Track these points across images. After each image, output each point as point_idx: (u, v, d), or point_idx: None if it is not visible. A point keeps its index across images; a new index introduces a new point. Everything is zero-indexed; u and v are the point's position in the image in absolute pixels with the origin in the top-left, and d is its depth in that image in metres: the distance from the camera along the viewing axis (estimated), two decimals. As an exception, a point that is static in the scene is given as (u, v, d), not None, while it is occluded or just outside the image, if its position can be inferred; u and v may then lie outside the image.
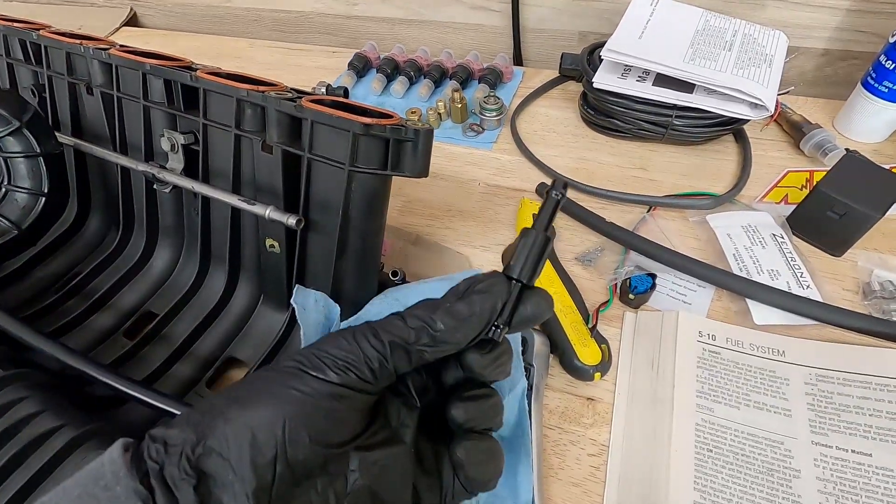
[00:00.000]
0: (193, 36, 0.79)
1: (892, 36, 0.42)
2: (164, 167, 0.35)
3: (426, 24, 0.67)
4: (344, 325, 0.31)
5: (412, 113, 0.55)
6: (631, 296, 0.36)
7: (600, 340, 0.34)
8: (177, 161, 0.35)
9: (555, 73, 0.59)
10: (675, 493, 0.28)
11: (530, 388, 0.32)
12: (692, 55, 0.43)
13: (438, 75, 0.59)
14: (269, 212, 0.30)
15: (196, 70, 0.33)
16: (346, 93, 0.60)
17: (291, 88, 0.33)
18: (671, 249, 0.37)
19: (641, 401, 0.32)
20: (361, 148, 0.28)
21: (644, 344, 0.35)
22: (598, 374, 0.33)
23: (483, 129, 0.54)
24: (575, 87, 0.57)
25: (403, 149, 0.29)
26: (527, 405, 0.29)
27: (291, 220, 0.29)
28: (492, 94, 0.54)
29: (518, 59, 0.65)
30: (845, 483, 0.27)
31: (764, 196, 0.44)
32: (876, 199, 0.36)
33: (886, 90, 0.43)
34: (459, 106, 0.53)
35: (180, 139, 0.34)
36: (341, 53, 0.67)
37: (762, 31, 0.46)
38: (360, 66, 0.62)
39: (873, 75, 0.44)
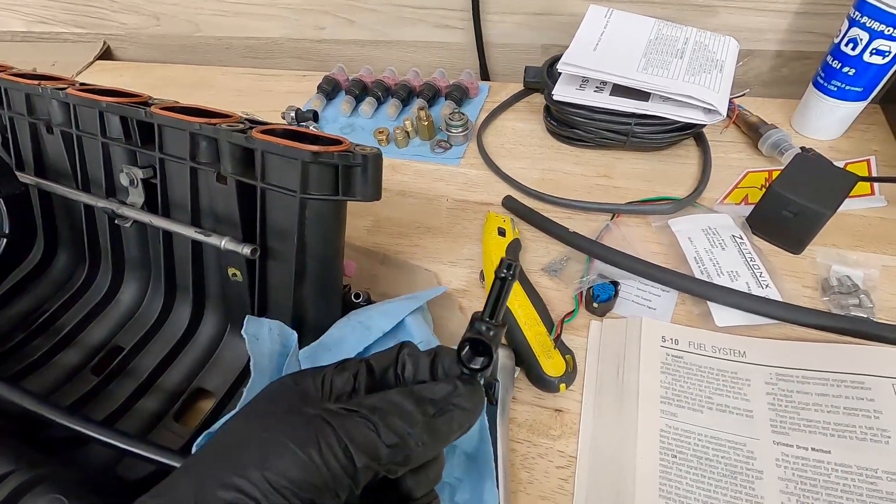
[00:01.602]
0: (167, 66, 0.79)
1: (837, 36, 0.43)
2: (124, 202, 0.36)
3: (392, 44, 0.68)
4: (305, 351, 0.31)
5: (379, 132, 0.55)
6: (595, 304, 0.37)
7: (564, 351, 0.34)
8: (137, 195, 0.36)
9: (520, 87, 0.60)
10: (641, 501, 0.28)
11: (495, 402, 0.32)
12: (645, 64, 0.44)
13: (406, 94, 0.60)
14: (224, 242, 0.30)
15: (151, 106, 0.33)
16: (315, 116, 0.61)
17: (245, 118, 0.33)
18: (632, 256, 0.38)
19: (607, 409, 0.32)
20: (312, 175, 0.29)
21: (609, 352, 0.35)
22: (563, 385, 0.33)
23: (450, 146, 0.54)
24: (540, 100, 0.58)
25: (353, 174, 0.29)
26: (486, 421, 0.29)
27: (247, 250, 0.30)
28: (457, 110, 0.55)
29: (485, 74, 0.66)
30: (806, 482, 0.27)
31: (724, 198, 0.44)
32: (827, 196, 0.36)
33: (836, 89, 0.44)
34: (426, 124, 0.54)
35: (139, 174, 0.35)
36: (311, 77, 0.67)
37: (713, 37, 0.47)
38: (330, 89, 0.63)
39: (822, 75, 0.45)
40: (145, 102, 0.35)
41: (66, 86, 0.36)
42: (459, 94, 0.59)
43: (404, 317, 0.34)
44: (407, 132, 0.55)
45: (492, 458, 0.28)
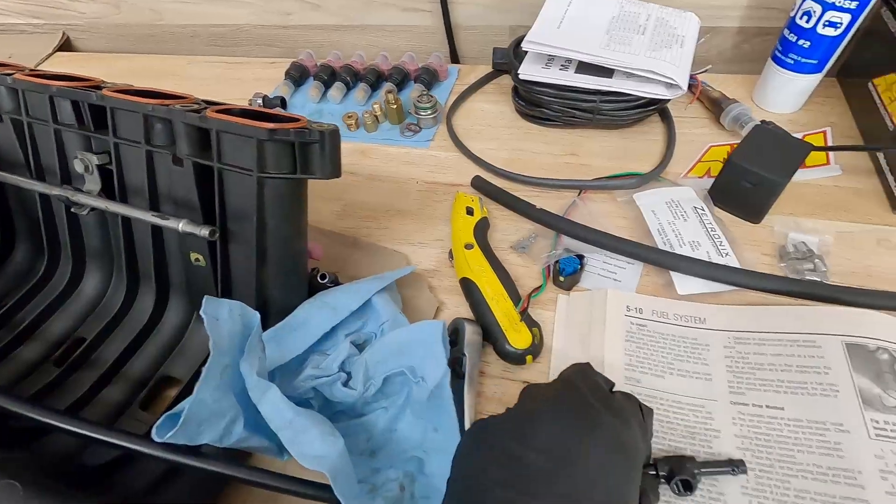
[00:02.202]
0: (130, 57, 0.77)
1: (793, 10, 0.44)
2: (80, 190, 0.35)
3: (360, 28, 0.67)
4: (269, 332, 0.31)
5: (349, 117, 0.55)
6: (561, 278, 0.37)
7: (531, 324, 0.35)
8: (93, 182, 0.35)
9: (490, 69, 0.60)
10: (604, 465, 0.28)
11: (462, 376, 0.32)
12: (608, 41, 0.45)
13: (375, 78, 0.59)
14: (182, 225, 0.30)
15: (102, 89, 0.33)
16: (283, 102, 0.60)
17: (201, 100, 0.33)
18: (597, 230, 0.38)
19: (573, 379, 0.33)
20: (268, 153, 0.28)
21: (576, 323, 0.36)
22: (529, 357, 0.33)
23: (420, 129, 0.54)
24: (509, 81, 0.58)
25: (311, 151, 0.29)
26: (450, 392, 0.29)
27: (204, 232, 0.29)
28: (425, 93, 0.54)
29: (455, 57, 0.66)
30: (760, 437, 0.28)
31: (688, 172, 0.45)
32: (783, 165, 0.37)
33: (793, 62, 0.45)
34: (394, 107, 0.54)
35: (94, 160, 0.34)
36: (280, 64, 0.66)
37: (674, 13, 0.47)
38: (298, 75, 0.62)
39: (780, 48, 0.46)
40: (97, 86, 0.34)
41: (12, 71, 0.35)
42: (429, 78, 0.58)
43: (371, 296, 0.34)
44: (376, 116, 0.54)
45: (456, 429, 0.29)
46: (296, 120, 0.29)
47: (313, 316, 0.33)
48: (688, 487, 0.26)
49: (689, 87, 0.52)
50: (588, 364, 0.28)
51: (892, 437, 0.26)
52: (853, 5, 0.39)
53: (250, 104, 0.59)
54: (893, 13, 0.41)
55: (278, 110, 0.59)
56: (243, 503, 0.29)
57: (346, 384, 0.31)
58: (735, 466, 0.26)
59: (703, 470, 0.26)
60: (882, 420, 0.27)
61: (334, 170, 0.30)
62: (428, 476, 0.29)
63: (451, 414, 0.29)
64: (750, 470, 0.27)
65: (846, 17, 0.40)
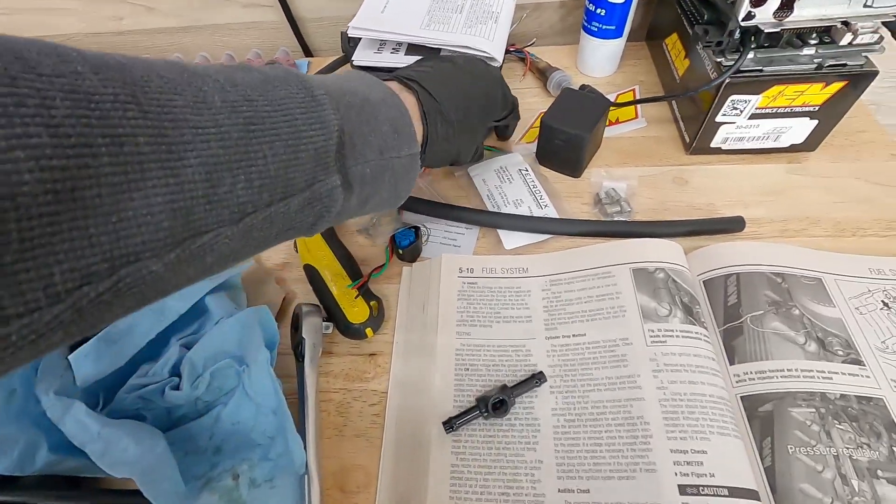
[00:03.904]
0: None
1: (589, -18, 0.48)
2: None
3: (204, 28, 0.65)
4: (87, 345, 0.30)
5: (191, 121, 0.53)
6: (400, 251, 0.39)
7: (370, 298, 0.36)
8: None
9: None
10: (439, 414, 0.30)
11: (302, 358, 0.33)
12: (429, 21, 0.47)
13: (220, 79, 0.58)
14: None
15: None
16: (122, 113, 0.56)
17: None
18: (428, 200, 0.40)
19: (414, 343, 0.35)
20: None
21: (417, 292, 0.38)
22: (369, 330, 0.35)
23: (269, 125, 0.53)
24: (358, 70, 0.59)
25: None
26: (273, 374, 0.30)
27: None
28: (268, 88, 0.53)
29: (308, 51, 0.65)
30: (567, 363, 0.31)
31: (521, 138, 0.49)
32: (585, 121, 0.41)
33: (597, 29, 0.50)
34: (238, 106, 0.52)
35: None
36: (120, 73, 0.62)
37: (491, -9, 0.50)
38: (137, 83, 0.59)
39: (586, 18, 0.50)
40: None
41: None
42: (276, 73, 0.57)
43: (203, 297, 0.34)
44: (222, 117, 0.53)
45: (285, 406, 0.29)
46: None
47: (138, 323, 0.32)
48: (498, 408, 0.29)
49: (521, 59, 0.56)
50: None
51: (662, 341, 0.30)
52: (629, -26, 0.44)
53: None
54: (669, -21, 0.47)
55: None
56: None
57: (176, 387, 0.30)
58: (538, 379, 0.31)
59: (514, 392, 0.30)
60: (656, 328, 0.31)
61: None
62: (273, 459, 0.30)
63: (280, 395, 0.30)
64: (558, 392, 0.30)
65: (627, -15, 0.45)
